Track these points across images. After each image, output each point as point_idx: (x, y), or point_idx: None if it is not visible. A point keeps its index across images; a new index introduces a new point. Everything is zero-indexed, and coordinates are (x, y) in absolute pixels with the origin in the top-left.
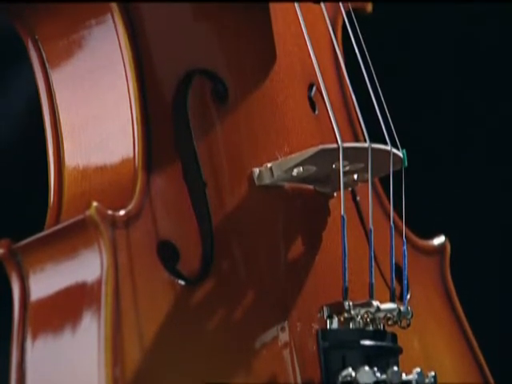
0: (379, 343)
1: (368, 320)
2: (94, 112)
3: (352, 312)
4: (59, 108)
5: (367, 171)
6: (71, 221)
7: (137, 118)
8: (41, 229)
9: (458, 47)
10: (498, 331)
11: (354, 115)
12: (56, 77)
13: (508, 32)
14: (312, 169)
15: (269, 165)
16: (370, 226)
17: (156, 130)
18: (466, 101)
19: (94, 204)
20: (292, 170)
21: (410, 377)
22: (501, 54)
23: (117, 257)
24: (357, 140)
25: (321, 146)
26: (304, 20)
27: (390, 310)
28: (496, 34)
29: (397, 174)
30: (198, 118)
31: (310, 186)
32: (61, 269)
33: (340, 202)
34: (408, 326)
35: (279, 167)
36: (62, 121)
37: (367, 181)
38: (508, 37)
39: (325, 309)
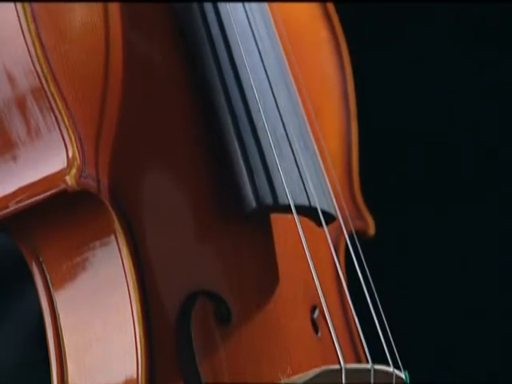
0: None
1: None
2: (98, 333)
3: None
4: (63, 329)
5: None
6: None
7: (140, 339)
8: None
9: None
10: None
11: (356, 336)
12: (60, 299)
13: None
14: None
15: None
16: None
17: (159, 350)
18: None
19: None
20: None
21: None
22: None
23: None
24: (359, 360)
25: (323, 367)
26: (307, 242)
27: None
28: None
29: None
30: (201, 339)
31: None
32: None
33: None
34: None
35: None
36: (65, 342)
37: None
38: None
39: None
